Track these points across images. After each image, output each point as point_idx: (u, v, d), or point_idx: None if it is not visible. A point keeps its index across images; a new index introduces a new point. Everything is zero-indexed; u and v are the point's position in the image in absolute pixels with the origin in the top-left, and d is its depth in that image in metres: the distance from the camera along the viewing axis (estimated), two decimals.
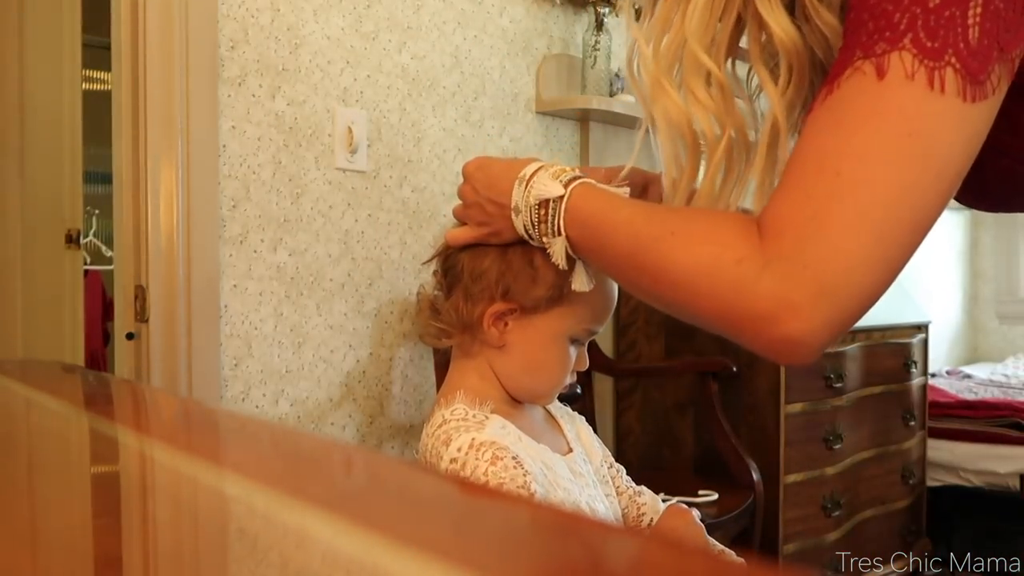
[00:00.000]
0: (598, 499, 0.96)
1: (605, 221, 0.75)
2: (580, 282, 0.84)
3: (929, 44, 0.58)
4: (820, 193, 0.61)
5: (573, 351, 0.93)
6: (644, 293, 0.74)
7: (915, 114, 0.59)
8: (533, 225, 0.80)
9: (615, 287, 0.94)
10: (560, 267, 0.80)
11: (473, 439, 0.85)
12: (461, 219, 0.90)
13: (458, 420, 0.87)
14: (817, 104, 0.64)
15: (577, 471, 0.95)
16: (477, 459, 0.83)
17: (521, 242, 0.85)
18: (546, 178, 0.78)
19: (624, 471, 1.06)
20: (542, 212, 0.78)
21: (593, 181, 0.80)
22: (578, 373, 0.96)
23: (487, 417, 0.88)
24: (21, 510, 0.43)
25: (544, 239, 0.79)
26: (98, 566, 0.35)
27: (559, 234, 0.77)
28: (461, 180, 0.90)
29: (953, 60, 0.58)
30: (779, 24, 0.69)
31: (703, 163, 0.78)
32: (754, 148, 0.76)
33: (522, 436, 0.89)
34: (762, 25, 0.71)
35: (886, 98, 0.60)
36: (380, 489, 0.44)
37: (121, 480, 0.51)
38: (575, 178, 0.78)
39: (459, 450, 0.84)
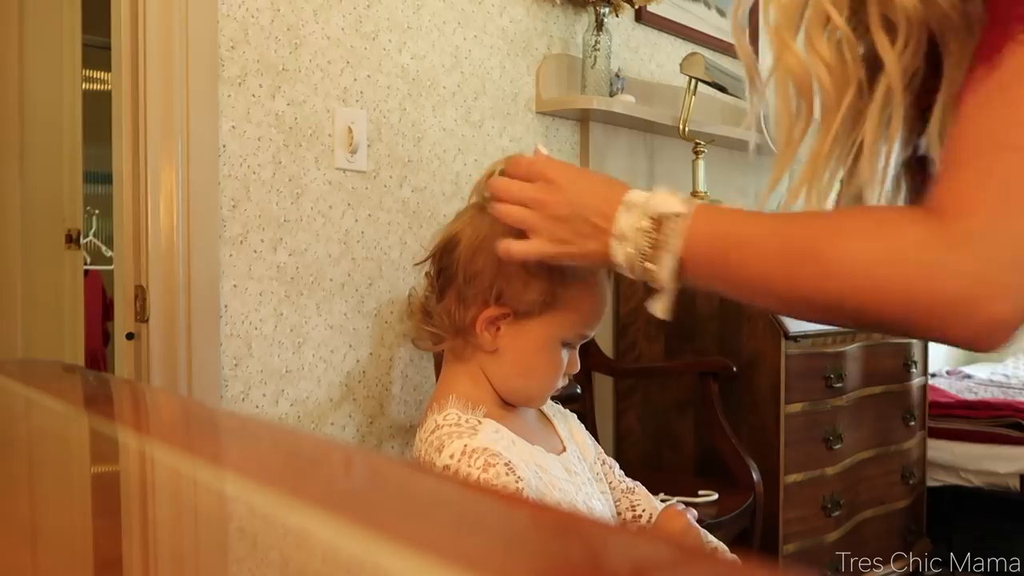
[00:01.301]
0: (594, 496, 0.96)
1: (743, 232, 0.71)
2: (662, 309, 0.76)
3: None
4: (1003, 169, 0.59)
5: (565, 354, 0.93)
6: (802, 301, 0.69)
7: None
8: (641, 252, 0.73)
9: (608, 291, 0.93)
10: (665, 289, 0.74)
11: (466, 445, 0.84)
12: (528, 229, 0.80)
13: (451, 425, 0.87)
14: (975, 83, 0.62)
15: (572, 469, 0.95)
16: (470, 466, 0.83)
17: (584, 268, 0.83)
18: (665, 194, 0.74)
19: (617, 466, 1.06)
20: (655, 236, 0.73)
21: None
22: (575, 374, 0.96)
23: (480, 422, 0.88)
24: (21, 510, 0.43)
25: (649, 265, 0.74)
26: (98, 566, 0.35)
27: (670, 253, 0.73)
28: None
29: None
30: None
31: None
32: (866, 110, 0.74)
33: (516, 439, 0.89)
34: None
35: None
36: (380, 489, 0.44)
37: (121, 480, 0.51)
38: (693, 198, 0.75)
39: (451, 457, 0.84)
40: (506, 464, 0.83)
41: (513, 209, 0.81)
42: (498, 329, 0.90)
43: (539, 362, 0.91)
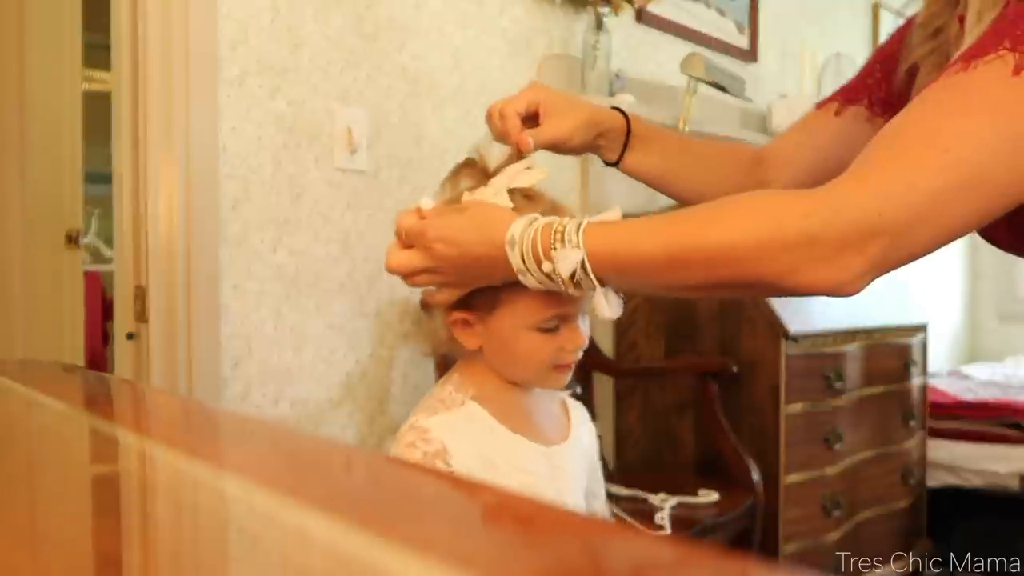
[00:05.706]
0: (567, 493, 0.94)
1: (632, 251, 0.73)
2: (603, 308, 0.78)
3: None
4: (918, 161, 0.64)
5: (547, 335, 0.89)
6: (696, 289, 0.73)
7: None
8: (535, 254, 0.76)
9: None
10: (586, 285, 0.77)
11: (415, 421, 0.90)
12: (439, 284, 0.87)
13: (436, 400, 0.93)
14: (947, 75, 0.67)
15: (559, 465, 0.94)
16: (396, 440, 0.90)
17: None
18: (564, 252, 0.75)
19: (604, 497, 1.08)
20: (553, 239, 0.75)
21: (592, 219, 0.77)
22: (579, 371, 0.96)
23: (465, 402, 0.92)
24: (21, 510, 0.43)
25: (549, 261, 0.76)
26: (98, 566, 0.35)
27: (576, 248, 0.75)
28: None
29: None
30: None
31: None
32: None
33: (496, 427, 0.90)
34: None
35: (1018, 95, 0.63)
36: (380, 489, 0.44)
37: (121, 480, 0.51)
38: (578, 224, 0.76)
39: (405, 426, 0.91)
40: (436, 451, 0.86)
41: (419, 278, 0.87)
42: (471, 327, 0.92)
43: (519, 350, 0.90)
